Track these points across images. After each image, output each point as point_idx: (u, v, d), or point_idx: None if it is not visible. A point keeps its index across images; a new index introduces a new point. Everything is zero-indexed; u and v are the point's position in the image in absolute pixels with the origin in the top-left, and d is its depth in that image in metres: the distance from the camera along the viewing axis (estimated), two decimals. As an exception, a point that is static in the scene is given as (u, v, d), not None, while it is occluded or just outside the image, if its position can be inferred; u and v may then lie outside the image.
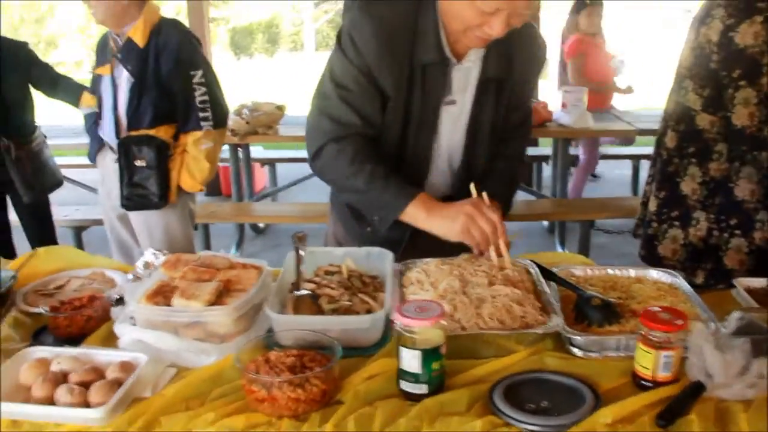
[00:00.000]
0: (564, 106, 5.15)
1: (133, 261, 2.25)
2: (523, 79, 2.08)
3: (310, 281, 1.77)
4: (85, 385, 1.43)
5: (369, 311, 1.65)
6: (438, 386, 1.39)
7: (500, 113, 2.06)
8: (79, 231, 5.22)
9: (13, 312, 1.87)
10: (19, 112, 4.04)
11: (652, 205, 2.72)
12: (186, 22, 6.16)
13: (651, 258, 2.67)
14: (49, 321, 1.73)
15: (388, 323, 1.55)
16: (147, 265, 2.06)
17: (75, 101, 3.97)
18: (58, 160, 4.40)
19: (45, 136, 4.26)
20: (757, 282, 1.95)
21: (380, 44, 1.87)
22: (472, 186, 1.91)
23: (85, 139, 3.67)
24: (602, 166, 7.69)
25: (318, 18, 28.31)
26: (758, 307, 1.77)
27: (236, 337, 1.58)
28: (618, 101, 6.71)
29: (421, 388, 1.37)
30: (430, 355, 1.35)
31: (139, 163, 3.31)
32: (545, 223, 6.34)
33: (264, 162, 7.31)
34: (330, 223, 2.38)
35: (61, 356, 1.52)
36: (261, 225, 6.38)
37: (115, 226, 3.71)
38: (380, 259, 1.90)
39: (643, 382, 1.42)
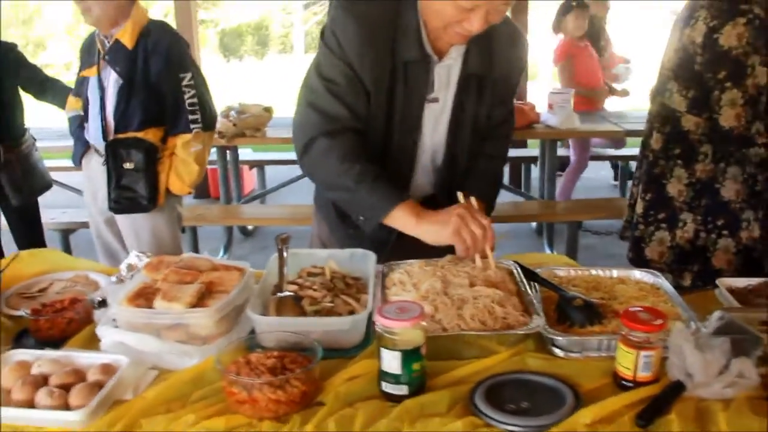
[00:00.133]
0: (551, 107, 5.16)
1: (120, 265, 2.24)
2: (504, 77, 2.09)
3: (292, 283, 1.76)
4: (66, 388, 1.42)
5: (352, 312, 1.65)
6: (419, 387, 1.39)
7: (482, 111, 2.07)
8: (66, 234, 5.20)
9: (-4, 315, 1.86)
10: (8, 115, 4.02)
11: (639, 208, 2.73)
12: (174, 24, 6.18)
13: (639, 260, 2.69)
14: (30, 324, 1.73)
15: (371, 325, 1.54)
16: (131, 268, 2.05)
17: (63, 104, 3.94)
18: (46, 163, 4.38)
19: (35, 139, 4.25)
20: (739, 282, 1.95)
21: (362, 41, 1.88)
22: (460, 194, 1.91)
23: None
24: (589, 168, 7.72)
25: (307, 20, 28.27)
26: (740, 307, 1.78)
27: (218, 339, 1.58)
28: (616, 103, 6.73)
29: (402, 389, 1.37)
30: (410, 355, 1.35)
31: (127, 165, 3.30)
32: (533, 224, 6.35)
33: (252, 164, 7.29)
34: (314, 225, 2.38)
35: (42, 359, 1.52)
36: (249, 227, 6.38)
37: (101, 230, 3.69)
38: (364, 261, 1.90)
39: (623, 382, 1.42)
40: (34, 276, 2.12)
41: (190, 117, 3.32)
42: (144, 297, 1.64)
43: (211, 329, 1.58)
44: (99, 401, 1.37)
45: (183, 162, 3.38)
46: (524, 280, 1.77)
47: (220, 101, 5.41)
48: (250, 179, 7.72)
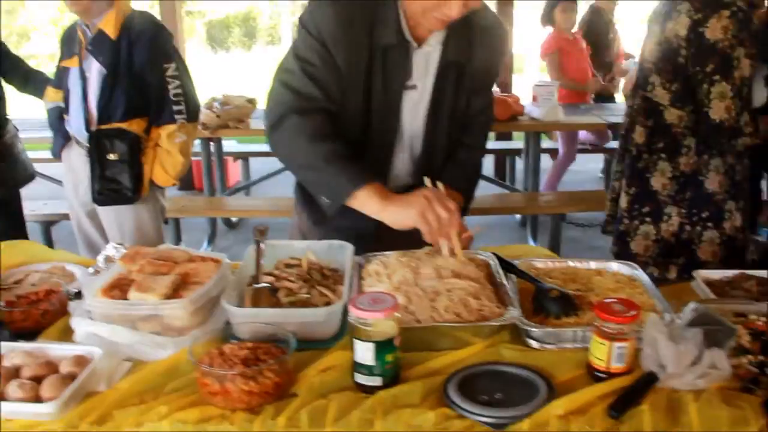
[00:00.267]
0: (535, 99, 5.17)
1: (98, 256, 2.23)
2: (484, 66, 2.08)
3: (269, 274, 1.76)
4: (38, 380, 1.41)
5: (328, 304, 1.64)
6: (392, 379, 1.38)
7: (461, 99, 2.07)
8: (47, 226, 5.17)
9: (-30, 307, 1.84)
10: None
11: (623, 202, 2.74)
12: (158, 15, 6.15)
13: (623, 255, 2.70)
14: (3, 315, 1.71)
15: (347, 316, 1.54)
16: (108, 259, 2.05)
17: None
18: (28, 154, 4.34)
19: (17, 129, 4.20)
20: (716, 274, 1.96)
21: (338, 24, 1.88)
22: (427, 180, 1.91)
23: (55, 133, 3.62)
24: (577, 160, 7.73)
25: (296, 11, 28.09)
26: (715, 299, 1.79)
27: (193, 330, 1.57)
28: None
29: (375, 381, 1.37)
30: (383, 347, 1.35)
31: (111, 156, 3.29)
32: (518, 216, 6.36)
33: (237, 156, 7.26)
34: (294, 215, 2.37)
35: (14, 351, 1.50)
36: (234, 219, 6.36)
37: (82, 222, 3.68)
38: (341, 252, 1.90)
39: (597, 374, 1.42)
40: (11, 267, 2.10)
41: (175, 108, 3.31)
42: (119, 288, 1.63)
43: (185, 320, 1.57)
44: (70, 393, 1.36)
45: (167, 153, 3.36)
46: (501, 272, 1.77)
47: (208, 93, 5.41)
48: (235, 171, 7.69)
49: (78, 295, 1.81)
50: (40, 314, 1.71)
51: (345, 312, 1.53)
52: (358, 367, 1.38)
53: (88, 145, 3.32)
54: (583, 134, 6.43)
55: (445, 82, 2.02)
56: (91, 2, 3.13)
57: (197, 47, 26.73)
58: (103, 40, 3.20)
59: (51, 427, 1.33)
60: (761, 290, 1.86)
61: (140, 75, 3.24)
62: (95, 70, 3.25)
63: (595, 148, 6.69)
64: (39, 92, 4.00)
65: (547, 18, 6.19)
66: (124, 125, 3.27)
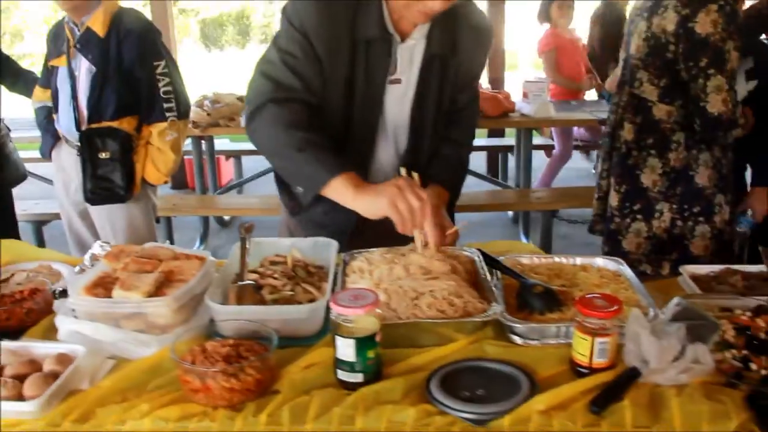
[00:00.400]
0: (525, 96, 5.17)
1: (86, 255, 2.23)
2: (468, 60, 2.09)
3: (254, 271, 1.76)
4: (21, 379, 1.41)
5: (312, 301, 1.64)
6: (374, 375, 1.38)
7: (445, 94, 2.07)
8: (39, 225, 5.16)
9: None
10: None
11: (614, 200, 2.74)
12: (149, 13, 6.14)
13: (615, 254, 2.69)
14: (-13, 314, 1.71)
15: (331, 313, 1.54)
16: (94, 258, 2.04)
17: None
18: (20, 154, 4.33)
19: (9, 129, 4.19)
20: (703, 269, 1.97)
21: (321, 16, 1.88)
22: (402, 169, 1.91)
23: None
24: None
25: (289, 10, 28.08)
26: (701, 294, 1.79)
27: (177, 328, 1.57)
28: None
29: (357, 377, 1.37)
30: (364, 343, 1.35)
31: (102, 155, 3.28)
32: (510, 213, 6.37)
33: (229, 155, 7.25)
34: (282, 212, 2.38)
35: (-3, 350, 1.50)
36: (226, 218, 6.36)
37: (73, 222, 3.67)
38: (327, 249, 1.89)
39: (580, 369, 1.42)
40: (-2, 267, 2.10)
41: (165, 105, 3.31)
42: (103, 286, 1.63)
43: (169, 318, 1.57)
44: (53, 391, 1.36)
45: (159, 151, 3.36)
46: (485, 268, 1.77)
47: (202, 91, 5.40)
48: (228, 170, 7.68)
49: (63, 293, 1.81)
50: (24, 313, 1.70)
51: (329, 309, 1.53)
52: (339, 363, 1.37)
53: (78, 144, 3.31)
54: (575, 131, 6.44)
55: (430, 76, 2.02)
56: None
57: (191, 45, 26.68)
58: (92, 38, 3.19)
59: (33, 425, 1.33)
60: (747, 285, 1.87)
61: (130, 73, 3.24)
62: (84, 68, 3.24)
63: (586, 145, 6.70)
64: (28, 91, 3.99)
65: (544, 15, 6.19)
66: (114, 124, 3.27)
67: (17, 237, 4.13)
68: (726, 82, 2.40)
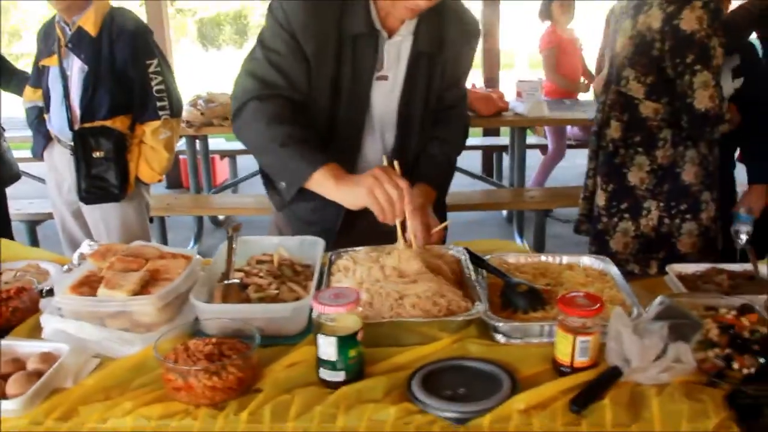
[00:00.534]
0: (519, 95, 5.18)
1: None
2: (455, 57, 2.09)
3: (240, 270, 1.76)
4: (5, 377, 1.41)
5: (297, 300, 1.64)
6: (356, 374, 1.39)
7: (432, 91, 2.08)
8: (33, 225, 5.15)
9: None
10: None
11: (601, 200, 2.75)
12: (144, 15, 6.13)
13: (602, 254, 2.70)
14: (-27, 313, 1.71)
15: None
16: (82, 257, 2.04)
17: None
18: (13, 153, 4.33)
19: (4, 129, 4.19)
20: (689, 268, 1.97)
21: (307, 12, 1.89)
22: (384, 157, 1.91)
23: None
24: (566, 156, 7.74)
25: (287, 9, 28.02)
26: (686, 293, 1.79)
27: (161, 327, 1.57)
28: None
29: (339, 376, 1.37)
30: (346, 342, 1.35)
31: (96, 155, 3.28)
32: (504, 213, 6.37)
33: (223, 154, 7.25)
34: (272, 211, 2.38)
35: (-19, 348, 1.50)
36: (221, 217, 6.35)
37: (66, 222, 3.67)
38: (313, 248, 1.90)
39: (562, 368, 1.42)
40: (-15, 266, 2.10)
41: (158, 104, 3.32)
42: (88, 285, 1.63)
43: (154, 317, 1.57)
44: (36, 389, 1.36)
45: (152, 149, 3.37)
46: (470, 267, 1.78)
47: (199, 91, 5.39)
48: (224, 169, 7.68)
49: (50, 292, 1.82)
50: (10, 312, 1.71)
51: (313, 308, 1.54)
52: (321, 362, 1.38)
53: (72, 143, 3.32)
54: (568, 130, 6.44)
55: (417, 73, 2.03)
56: None
57: (188, 45, 26.67)
58: (84, 38, 3.19)
59: (16, 423, 1.33)
60: (732, 284, 1.87)
61: (123, 72, 3.25)
62: (76, 68, 3.24)
63: (580, 144, 6.70)
64: (21, 91, 4.00)
65: (546, 13, 6.19)
66: (108, 123, 3.27)
67: (11, 236, 4.13)
68: (712, 78, 2.41)
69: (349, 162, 2.03)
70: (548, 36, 6.17)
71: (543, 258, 1.93)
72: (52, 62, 3.29)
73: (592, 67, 6.21)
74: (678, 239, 2.63)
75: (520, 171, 5.70)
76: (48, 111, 3.40)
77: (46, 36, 3.35)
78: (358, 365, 1.39)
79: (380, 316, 1.54)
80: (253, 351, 1.40)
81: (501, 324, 1.54)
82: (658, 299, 1.58)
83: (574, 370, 1.41)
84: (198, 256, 1.80)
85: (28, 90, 3.56)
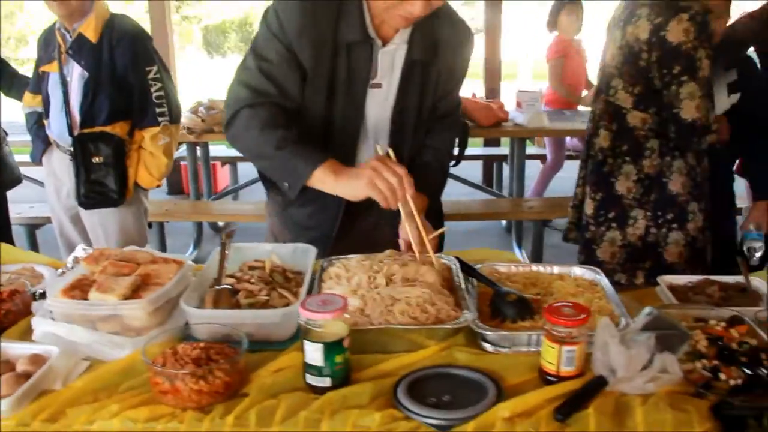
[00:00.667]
0: (519, 105, 5.19)
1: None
2: (449, 68, 2.10)
3: (231, 276, 1.77)
4: (-6, 379, 1.42)
5: (287, 306, 1.65)
6: (342, 380, 1.39)
7: (426, 100, 2.09)
8: (32, 229, 5.16)
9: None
10: None
11: (589, 208, 2.76)
12: (148, 22, 6.16)
13: (590, 263, 2.71)
14: (-34, 316, 1.72)
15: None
16: (77, 261, 2.05)
17: None
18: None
19: (6, 133, 4.20)
20: (680, 279, 1.98)
21: (303, 20, 1.90)
22: (377, 146, 1.93)
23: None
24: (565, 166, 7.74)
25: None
26: (677, 304, 1.79)
27: (152, 331, 1.58)
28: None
29: (325, 382, 1.38)
30: (332, 348, 1.36)
31: (96, 160, 3.30)
32: (504, 223, 6.38)
33: (224, 161, 7.26)
34: (267, 217, 2.40)
35: (-28, 350, 1.51)
36: (221, 224, 6.36)
37: (64, 226, 3.69)
38: (306, 255, 1.91)
39: (548, 377, 1.43)
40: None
41: (158, 110, 3.34)
42: (80, 289, 1.64)
43: (144, 321, 1.58)
44: (24, 391, 1.37)
45: (151, 155, 3.39)
46: (461, 275, 1.78)
47: (204, 97, 5.40)
48: (225, 176, 7.69)
49: (43, 295, 1.82)
50: (2, 314, 1.71)
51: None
52: (308, 368, 1.38)
53: (71, 149, 3.33)
54: (568, 141, 6.45)
55: (411, 82, 2.04)
56: (80, 2, 3.15)
57: (194, 52, 26.76)
58: (84, 44, 3.22)
59: (3, 424, 1.33)
60: (723, 296, 1.87)
61: (123, 78, 3.27)
62: (77, 74, 3.26)
63: (579, 155, 6.69)
64: (21, 96, 4.02)
65: (554, 23, 6.19)
66: (107, 129, 3.29)
67: (11, 240, 4.15)
68: (699, 89, 2.43)
69: None
70: (556, 45, 6.18)
71: (534, 268, 1.94)
72: (52, 68, 3.32)
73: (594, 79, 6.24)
74: (665, 249, 2.64)
75: (519, 181, 5.70)
76: (47, 117, 3.42)
77: (47, 42, 3.37)
78: (344, 371, 1.39)
79: (370, 323, 1.54)
80: (241, 356, 1.41)
81: (489, 333, 1.55)
82: (646, 310, 1.58)
83: (560, 379, 1.41)
84: (190, 262, 1.81)
85: (27, 95, 3.59)
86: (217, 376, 1.35)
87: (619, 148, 2.65)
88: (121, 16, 3.33)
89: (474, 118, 4.97)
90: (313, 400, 1.36)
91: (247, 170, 7.31)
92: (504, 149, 6.98)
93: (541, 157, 6.85)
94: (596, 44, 6.70)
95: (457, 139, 4.14)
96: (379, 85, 2.02)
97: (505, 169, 6.91)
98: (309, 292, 1.69)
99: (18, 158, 4.38)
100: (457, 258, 1.88)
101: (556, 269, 1.93)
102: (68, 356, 1.51)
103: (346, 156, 2.06)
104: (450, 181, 2.33)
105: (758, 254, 2.38)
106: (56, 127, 3.38)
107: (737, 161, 3.45)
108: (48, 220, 4.79)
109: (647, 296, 1.92)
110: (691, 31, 2.38)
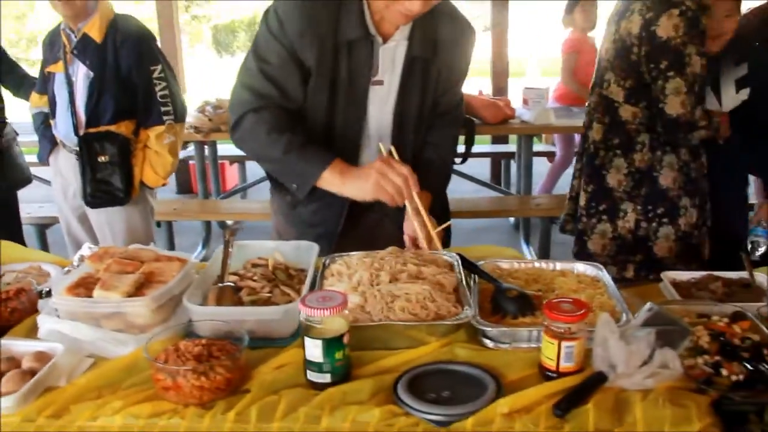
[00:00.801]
0: (525, 102, 5.17)
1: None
2: (450, 65, 2.11)
3: (234, 274, 1.78)
4: (0, 375, 1.43)
5: (289, 303, 1.66)
6: (343, 376, 1.40)
7: (427, 97, 2.10)
8: (42, 228, 5.19)
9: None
10: None
11: (582, 200, 2.79)
12: (155, 23, 6.18)
13: (582, 254, 2.73)
14: (-28, 314, 1.74)
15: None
16: (82, 259, 2.07)
17: None
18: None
19: (17, 133, 4.22)
20: (683, 275, 1.97)
21: (304, 20, 1.91)
22: (380, 145, 1.94)
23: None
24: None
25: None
26: (680, 300, 1.79)
27: (155, 328, 1.59)
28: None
29: (325, 378, 1.38)
30: (332, 344, 1.37)
31: (101, 159, 3.32)
32: (512, 220, 6.37)
33: (232, 160, 7.28)
34: (272, 215, 2.41)
35: (-21, 347, 1.53)
36: (229, 222, 6.37)
37: (72, 226, 3.72)
38: (309, 253, 1.91)
39: (547, 373, 1.43)
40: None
41: (163, 109, 3.36)
42: (84, 286, 1.65)
43: (148, 318, 1.59)
44: (29, 387, 1.39)
45: (157, 154, 3.42)
46: (462, 272, 1.79)
47: (213, 96, 5.42)
48: (233, 175, 7.71)
49: (49, 293, 1.84)
50: (8, 312, 1.73)
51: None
52: (308, 364, 1.39)
53: (77, 148, 3.36)
54: (576, 137, 6.43)
55: (412, 78, 2.05)
56: (85, 2, 3.17)
57: (203, 51, 26.82)
58: (89, 44, 3.24)
59: (8, 420, 1.35)
60: (727, 291, 1.87)
61: (127, 78, 3.29)
62: (82, 74, 3.29)
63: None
64: (29, 96, 4.04)
65: (569, 20, 6.17)
66: (113, 128, 3.31)
67: (22, 239, 4.16)
68: (685, 85, 2.43)
69: None
70: (571, 41, 6.16)
71: (536, 264, 1.94)
72: (57, 69, 3.34)
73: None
74: (654, 243, 2.65)
75: (526, 178, 5.68)
76: (54, 117, 3.44)
77: (52, 43, 3.40)
78: (344, 367, 1.40)
79: (370, 319, 1.55)
80: (242, 352, 1.42)
81: (489, 329, 1.55)
82: (647, 306, 1.58)
83: (560, 374, 1.42)
84: (194, 260, 1.82)
85: (34, 96, 3.62)
86: (218, 372, 1.36)
87: (610, 141, 2.66)
88: (125, 17, 3.35)
89: (481, 116, 4.95)
90: (314, 396, 1.37)
91: (256, 169, 7.30)
92: (511, 146, 6.96)
93: (549, 155, 6.84)
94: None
95: (463, 137, 4.17)
96: (380, 82, 2.02)
97: (513, 166, 6.91)
98: (311, 289, 1.69)
99: (27, 158, 4.40)
100: (459, 254, 1.89)
101: (558, 265, 1.93)
102: (72, 353, 1.53)
103: (349, 154, 2.07)
104: (457, 179, 2.35)
105: (761, 249, 2.37)
106: (62, 127, 3.40)
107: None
108: (57, 219, 4.83)
109: (650, 292, 1.91)
110: (681, 26, 2.39)
